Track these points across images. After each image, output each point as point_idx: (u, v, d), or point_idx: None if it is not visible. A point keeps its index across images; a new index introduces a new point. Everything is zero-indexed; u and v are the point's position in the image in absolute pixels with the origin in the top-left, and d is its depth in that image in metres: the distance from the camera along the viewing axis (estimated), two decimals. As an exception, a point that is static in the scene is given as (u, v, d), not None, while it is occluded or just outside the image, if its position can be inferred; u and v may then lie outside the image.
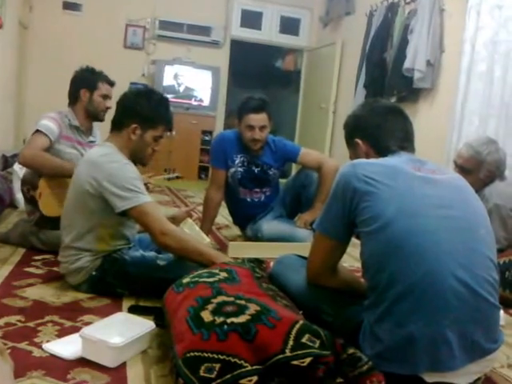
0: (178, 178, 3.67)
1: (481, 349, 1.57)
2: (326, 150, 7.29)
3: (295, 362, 1.44)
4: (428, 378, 1.54)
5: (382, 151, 1.86)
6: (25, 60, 6.87)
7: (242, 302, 1.64)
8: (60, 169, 2.90)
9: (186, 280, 1.91)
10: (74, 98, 3.18)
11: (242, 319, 1.53)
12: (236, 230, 4.01)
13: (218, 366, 1.42)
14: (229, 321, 1.53)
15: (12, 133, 6.32)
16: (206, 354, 1.45)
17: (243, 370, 1.42)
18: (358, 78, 6.35)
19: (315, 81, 8.10)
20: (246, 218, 3.76)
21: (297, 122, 8.69)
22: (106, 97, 3.18)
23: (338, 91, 7.36)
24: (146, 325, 1.89)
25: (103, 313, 2.15)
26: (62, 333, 1.96)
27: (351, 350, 1.56)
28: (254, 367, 1.44)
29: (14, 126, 6.43)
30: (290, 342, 1.46)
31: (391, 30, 5.80)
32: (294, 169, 6.47)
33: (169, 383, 1.62)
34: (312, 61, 8.34)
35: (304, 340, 1.48)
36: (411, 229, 1.59)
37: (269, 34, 8.31)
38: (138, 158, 2.47)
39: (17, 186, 4.00)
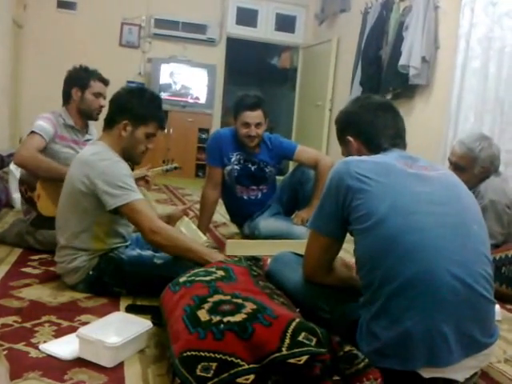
0: (176, 168, 3.65)
1: (477, 343, 1.58)
2: (322, 148, 7.29)
3: (292, 360, 1.44)
4: (425, 373, 1.54)
5: (373, 148, 1.87)
6: (20, 59, 6.85)
7: (239, 301, 1.64)
8: (57, 172, 2.88)
9: (182, 279, 1.91)
10: (66, 98, 3.17)
11: (238, 318, 1.53)
12: (233, 228, 4.01)
13: (214, 365, 1.43)
14: (225, 320, 1.53)
15: (8, 132, 6.31)
16: (202, 353, 1.45)
17: (240, 368, 1.42)
18: (353, 75, 6.36)
19: (311, 78, 8.10)
20: (243, 215, 3.76)
21: (293, 120, 8.69)
22: (98, 95, 3.15)
23: (334, 88, 7.37)
24: (143, 324, 1.89)
25: (100, 312, 2.14)
26: (59, 333, 1.95)
27: (348, 348, 1.56)
28: (251, 366, 1.44)
29: (10, 126, 6.41)
30: (287, 341, 1.47)
31: (386, 27, 5.81)
32: (291, 166, 6.47)
33: (166, 383, 1.62)
34: (308, 58, 8.34)
35: (300, 338, 1.48)
36: (404, 226, 1.59)
37: (264, 31, 8.30)
38: (130, 155, 2.46)
39: (13, 185, 3.99)
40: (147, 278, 2.33)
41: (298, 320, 1.56)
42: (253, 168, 3.60)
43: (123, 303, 2.29)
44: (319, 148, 7.11)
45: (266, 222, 3.57)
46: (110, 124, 2.44)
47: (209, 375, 1.41)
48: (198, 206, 3.72)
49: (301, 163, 3.68)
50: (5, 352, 1.73)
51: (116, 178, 2.28)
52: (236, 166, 3.56)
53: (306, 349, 1.46)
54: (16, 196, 3.92)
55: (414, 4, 5.26)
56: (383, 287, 1.58)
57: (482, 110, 4.48)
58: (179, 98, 7.52)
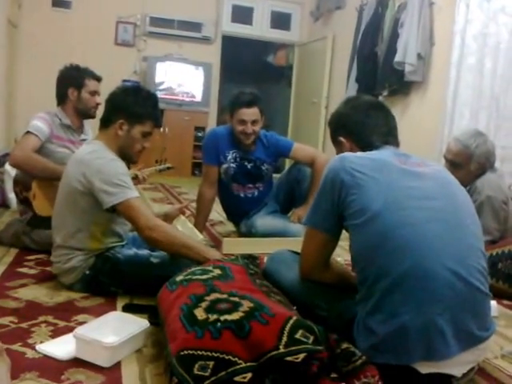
0: (169, 168, 3.65)
1: (473, 337, 1.58)
2: (318, 145, 7.29)
3: (289, 358, 1.44)
4: (422, 368, 1.55)
5: (365, 147, 1.87)
6: (15, 59, 6.82)
7: (236, 299, 1.64)
8: (53, 172, 2.88)
9: (179, 278, 1.91)
10: (62, 98, 3.16)
11: (235, 316, 1.53)
12: (230, 226, 4.01)
13: (211, 363, 1.42)
14: (222, 318, 1.53)
15: (3, 132, 6.28)
16: (199, 352, 1.45)
17: (237, 367, 1.42)
18: (349, 72, 6.36)
19: (307, 75, 8.09)
20: (239, 213, 3.76)
21: (289, 117, 8.68)
22: (94, 93, 3.16)
23: (330, 86, 7.37)
24: (140, 323, 1.89)
25: (97, 312, 2.14)
26: (56, 333, 1.95)
27: (345, 345, 1.56)
28: (248, 364, 1.44)
29: (5, 126, 6.39)
30: (284, 339, 1.47)
31: (381, 23, 5.81)
32: (288, 164, 6.47)
33: (164, 382, 1.61)
34: (303, 55, 8.34)
35: (298, 336, 1.48)
36: (398, 221, 1.61)
37: (260, 29, 8.29)
38: (126, 154, 2.45)
39: (9, 185, 3.98)
40: (144, 278, 2.33)
41: (295, 318, 1.56)
42: (249, 166, 3.60)
43: (120, 303, 2.29)
44: (315, 145, 7.11)
45: (263, 220, 3.57)
46: (106, 123, 2.44)
47: (206, 374, 1.41)
48: (194, 204, 3.71)
49: (297, 161, 3.67)
50: (2, 352, 1.72)
51: (112, 176, 2.27)
52: (232, 164, 3.56)
53: (303, 346, 1.46)
54: (12, 196, 3.91)
55: (409, 1, 5.27)
56: (378, 283, 1.59)
57: (478, 107, 4.49)
58: (175, 96, 7.51)
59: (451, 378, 1.62)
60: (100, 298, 2.34)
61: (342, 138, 1.96)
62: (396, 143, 1.93)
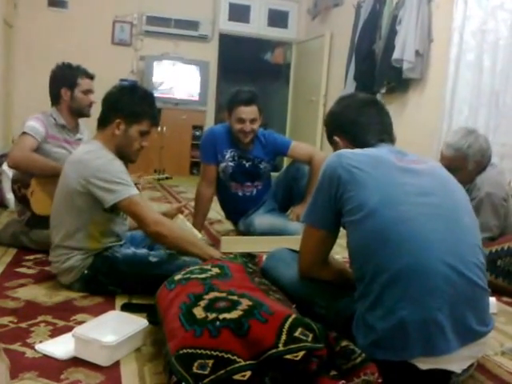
0: (167, 178, 3.67)
1: (473, 332, 1.58)
2: (316, 143, 7.28)
3: (288, 356, 1.44)
4: (422, 364, 1.54)
5: (360, 146, 1.87)
6: (11, 59, 6.81)
7: (235, 298, 1.64)
8: (52, 170, 2.88)
9: (177, 277, 1.90)
10: (56, 98, 3.15)
11: (234, 315, 1.53)
12: (228, 225, 4.01)
13: (211, 362, 1.42)
14: (221, 317, 1.53)
15: (0, 132, 6.27)
16: (198, 351, 1.45)
17: (236, 365, 1.42)
18: (347, 69, 6.35)
19: (305, 73, 8.09)
20: (238, 212, 3.75)
21: (287, 116, 8.68)
22: (87, 91, 3.14)
23: (328, 84, 7.36)
24: (139, 322, 1.89)
25: (96, 311, 2.14)
26: (55, 333, 1.95)
27: (344, 343, 1.57)
28: (248, 362, 1.44)
29: (2, 126, 6.38)
30: (283, 337, 1.47)
31: (379, 21, 5.80)
32: (286, 162, 6.47)
33: (163, 380, 1.61)
34: (301, 53, 8.33)
35: (297, 334, 1.48)
36: (395, 217, 1.61)
37: (257, 27, 8.28)
38: (124, 154, 2.45)
39: (7, 185, 3.97)
40: (142, 277, 2.33)
41: (294, 316, 1.55)
42: (247, 165, 3.59)
43: (118, 302, 2.28)
44: (313, 143, 7.11)
45: (261, 219, 3.56)
46: (103, 123, 2.43)
47: (205, 372, 1.41)
48: (192, 203, 3.71)
49: (295, 159, 3.67)
50: (1, 352, 1.72)
51: (112, 174, 2.28)
52: (230, 163, 3.55)
53: (302, 344, 1.46)
54: (10, 196, 3.90)
55: (407, -2, 5.26)
56: (376, 279, 1.59)
57: (477, 104, 4.48)
58: (172, 95, 7.50)
59: (451, 374, 1.62)
60: (99, 297, 2.34)
61: (336, 138, 1.97)
62: (391, 140, 1.94)
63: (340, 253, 3.02)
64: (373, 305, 1.59)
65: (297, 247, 1.98)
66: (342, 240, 1.86)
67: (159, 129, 7.10)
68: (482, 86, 4.43)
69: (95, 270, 2.36)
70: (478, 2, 4.47)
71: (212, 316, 1.54)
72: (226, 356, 1.44)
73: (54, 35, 7.10)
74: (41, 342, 1.86)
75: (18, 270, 2.68)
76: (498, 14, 4.30)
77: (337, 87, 6.86)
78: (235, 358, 1.43)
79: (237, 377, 1.41)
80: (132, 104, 2.39)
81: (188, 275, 1.89)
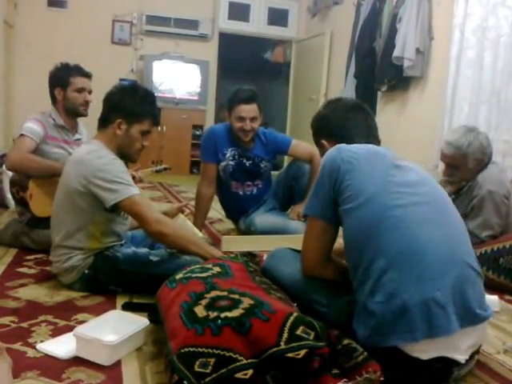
0: (165, 169, 3.66)
1: (473, 314, 1.62)
2: (317, 142, 7.27)
3: (290, 355, 1.44)
4: (424, 353, 1.56)
5: None
6: (11, 59, 6.81)
7: (236, 296, 1.64)
8: (49, 169, 2.87)
9: (178, 276, 1.90)
10: (52, 98, 3.15)
11: (235, 313, 1.53)
12: (229, 224, 4.00)
13: (212, 360, 1.42)
14: (222, 315, 1.52)
15: (0, 132, 6.28)
16: (200, 349, 1.45)
17: (238, 363, 1.42)
18: (347, 68, 6.35)
19: (305, 72, 8.08)
20: (238, 211, 3.75)
21: (287, 114, 8.67)
22: (81, 90, 3.10)
23: (328, 82, 7.35)
24: (140, 322, 1.88)
25: (97, 311, 2.14)
26: (56, 332, 1.94)
27: (346, 341, 1.56)
28: (249, 361, 1.43)
29: (3, 126, 6.38)
30: (285, 335, 1.46)
31: (380, 18, 5.79)
32: (286, 161, 6.46)
33: (164, 380, 1.61)
34: (301, 52, 8.32)
35: (298, 332, 1.48)
36: (390, 203, 1.68)
37: (257, 25, 8.28)
38: (126, 153, 2.45)
39: (7, 186, 3.96)
40: (143, 276, 2.33)
41: (295, 314, 1.55)
42: (248, 163, 3.59)
43: (119, 301, 2.28)
44: (313, 142, 7.09)
45: (262, 218, 3.56)
46: (104, 123, 2.43)
47: (207, 371, 1.41)
48: (193, 203, 3.70)
49: (296, 158, 3.66)
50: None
51: (113, 174, 2.28)
52: (231, 162, 3.55)
53: (304, 343, 1.46)
54: (10, 196, 3.90)
55: (408, -5, 5.25)
56: (373, 264, 1.63)
57: (477, 101, 4.47)
58: (172, 94, 7.50)
59: (452, 368, 1.63)
60: (100, 296, 2.34)
61: (323, 141, 2.03)
62: (377, 142, 2.00)
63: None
64: (372, 290, 1.62)
65: (298, 246, 1.98)
66: (340, 239, 1.86)
67: (159, 128, 7.10)
68: (483, 83, 4.42)
69: (96, 269, 2.36)
70: (478, -1, 4.46)
71: (213, 314, 1.54)
72: (227, 354, 1.43)
73: (54, 35, 7.10)
74: (42, 341, 1.86)
75: (18, 269, 2.67)
76: (499, 10, 4.29)
77: (337, 86, 6.86)
78: (237, 356, 1.43)
79: (238, 375, 1.41)
80: (133, 104, 2.39)
81: (189, 274, 1.89)
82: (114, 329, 1.84)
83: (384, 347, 1.58)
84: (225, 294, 1.66)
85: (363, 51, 5.93)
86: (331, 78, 7.29)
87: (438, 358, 1.58)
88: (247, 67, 9.46)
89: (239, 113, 3.39)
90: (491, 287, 2.64)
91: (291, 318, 1.52)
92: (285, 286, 1.96)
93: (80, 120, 3.27)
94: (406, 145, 5.23)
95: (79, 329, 1.78)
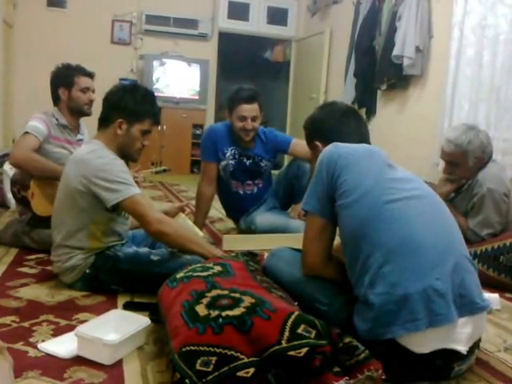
0: (165, 171, 3.66)
1: (471, 302, 1.65)
2: (317, 140, 7.27)
3: (292, 353, 1.44)
4: (425, 346, 1.58)
5: None
6: (11, 59, 6.81)
7: (237, 295, 1.64)
8: (51, 172, 2.88)
9: (179, 275, 1.90)
10: (55, 98, 3.16)
11: (237, 312, 1.53)
12: (230, 223, 4.00)
13: (214, 359, 1.43)
14: (224, 314, 1.53)
15: (0, 132, 6.28)
16: (201, 348, 1.45)
17: (240, 362, 1.43)
18: (347, 66, 6.35)
19: (305, 71, 8.08)
20: (239, 210, 3.75)
21: (287, 113, 8.67)
22: (86, 90, 3.13)
23: (328, 81, 7.35)
24: (141, 321, 1.88)
25: (98, 310, 2.14)
26: (58, 332, 1.95)
27: (347, 339, 1.56)
28: (251, 359, 1.44)
29: (3, 126, 6.38)
30: (286, 333, 1.47)
31: (379, 17, 5.79)
32: (286, 160, 6.47)
33: (166, 378, 1.62)
34: (301, 51, 8.32)
35: (300, 330, 1.48)
36: (386, 198, 1.72)
37: (256, 25, 8.27)
38: (126, 153, 2.45)
39: (8, 185, 3.97)
40: (144, 275, 2.33)
41: (296, 313, 1.56)
42: (248, 163, 3.59)
43: (121, 300, 2.28)
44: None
45: (263, 217, 3.56)
46: (104, 123, 2.43)
47: (209, 369, 1.41)
48: (193, 202, 3.70)
49: (296, 157, 3.66)
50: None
51: (114, 174, 2.28)
52: (231, 161, 3.55)
53: (305, 341, 1.46)
54: (11, 196, 3.90)
55: (407, -6, 5.25)
56: (372, 256, 1.66)
57: (477, 99, 4.47)
58: (172, 94, 7.49)
59: (453, 364, 1.65)
60: (101, 296, 2.34)
61: (317, 143, 2.06)
62: None
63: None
64: (372, 281, 1.64)
65: (298, 245, 1.98)
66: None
67: (159, 128, 7.10)
68: (483, 81, 4.42)
69: (97, 269, 2.36)
70: (477, -3, 4.46)
71: (215, 313, 1.54)
72: (229, 353, 1.44)
73: (54, 35, 7.09)
74: (43, 341, 1.86)
75: (19, 269, 2.68)
76: (498, 8, 4.28)
77: (337, 84, 6.86)
78: (238, 354, 1.44)
79: (240, 373, 1.41)
80: (134, 103, 2.39)
81: (190, 273, 1.89)
82: (115, 328, 1.84)
83: (385, 340, 1.59)
84: (226, 292, 1.67)
85: (363, 50, 5.93)
86: (331, 76, 7.29)
87: (439, 352, 1.59)
88: (247, 66, 9.47)
89: (240, 112, 3.39)
90: (492, 285, 2.65)
91: (292, 317, 1.52)
92: (285, 285, 1.97)
93: (82, 121, 3.28)
94: (407, 143, 5.23)
95: (80, 328, 1.78)
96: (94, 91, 3.16)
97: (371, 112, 6.04)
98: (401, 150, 4.99)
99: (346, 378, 1.49)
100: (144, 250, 2.44)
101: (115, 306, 2.22)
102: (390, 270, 1.62)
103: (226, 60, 8.65)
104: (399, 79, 5.44)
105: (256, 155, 3.58)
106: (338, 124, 2.03)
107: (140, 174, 3.16)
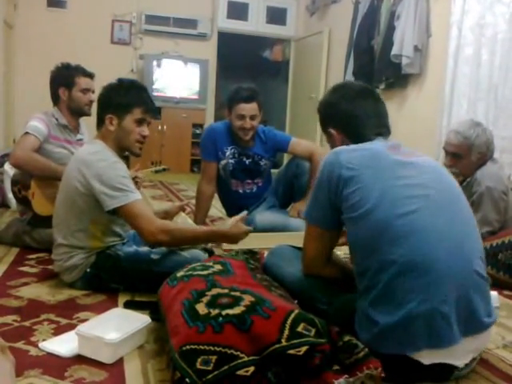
0: (164, 170, 3.66)
1: (477, 322, 1.60)
2: (316, 139, 7.29)
3: (291, 351, 1.45)
4: (425, 359, 1.55)
5: (357, 140, 1.85)
6: (11, 60, 6.81)
7: (237, 294, 1.65)
8: (52, 172, 2.89)
9: (180, 274, 1.91)
10: (55, 98, 3.16)
11: (236, 311, 1.54)
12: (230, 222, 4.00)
13: (214, 358, 1.43)
14: (224, 313, 1.53)
15: (1, 133, 6.28)
16: (202, 347, 1.46)
17: (240, 361, 1.43)
18: (346, 66, 6.35)
19: (304, 70, 8.09)
20: (238, 209, 3.71)
21: (287, 112, 8.68)
22: (86, 90, 3.14)
23: (327, 80, 7.35)
24: (141, 320, 1.89)
25: (99, 309, 2.15)
26: (58, 331, 1.95)
27: (347, 338, 1.57)
28: (251, 358, 1.45)
29: (4, 126, 6.39)
30: (286, 332, 1.48)
31: (378, 16, 5.79)
32: (286, 159, 6.47)
33: (166, 377, 1.62)
34: (300, 50, 8.32)
35: (299, 329, 1.49)
36: (396, 210, 1.61)
37: (256, 24, 8.28)
38: (125, 147, 2.44)
39: (8, 185, 3.97)
40: (145, 274, 2.34)
41: (296, 311, 1.56)
42: (247, 162, 3.60)
43: (121, 299, 2.29)
44: (313, 140, 7.11)
45: (262, 216, 3.56)
46: (99, 124, 2.44)
47: (209, 368, 1.42)
48: (193, 201, 3.71)
49: (295, 155, 3.67)
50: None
51: (113, 179, 2.26)
52: (231, 160, 3.56)
53: (305, 339, 1.47)
54: (11, 196, 3.91)
55: (405, -7, 5.25)
56: (381, 272, 1.58)
57: (475, 98, 4.48)
58: (172, 93, 7.50)
59: (453, 369, 1.63)
60: (101, 295, 2.35)
61: (332, 130, 1.93)
62: (388, 132, 1.91)
63: (342, 248, 3.03)
64: (377, 298, 1.59)
65: (299, 244, 1.98)
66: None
67: (159, 127, 7.11)
68: (481, 79, 4.43)
69: (98, 268, 2.37)
70: (476, -4, 4.46)
71: (215, 312, 1.55)
72: (229, 352, 1.45)
73: (54, 35, 7.09)
74: (44, 340, 1.87)
75: (20, 269, 2.68)
76: (496, 7, 4.30)
77: (336, 83, 6.84)
78: (238, 353, 1.45)
79: (240, 372, 1.42)
80: (118, 96, 2.38)
81: (190, 272, 1.90)
82: (115, 327, 1.85)
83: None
84: (226, 291, 1.68)
85: (361, 49, 5.94)
86: (330, 76, 7.30)
87: (439, 363, 1.57)
88: (246, 66, 9.46)
89: (239, 111, 3.40)
90: (490, 283, 2.65)
91: (292, 315, 1.53)
92: (285, 284, 1.97)
93: (82, 120, 3.28)
94: (405, 142, 5.20)
95: (81, 327, 1.78)
96: (93, 92, 3.16)
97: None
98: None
99: (346, 376, 1.50)
100: (144, 248, 2.44)
101: (116, 305, 2.22)
102: (397, 288, 1.56)
103: (225, 59, 8.65)
104: (398, 78, 5.45)
105: (255, 154, 3.59)
106: (353, 108, 1.87)
107: (139, 173, 3.16)
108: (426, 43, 5.14)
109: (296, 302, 1.88)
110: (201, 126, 7.49)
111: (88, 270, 2.38)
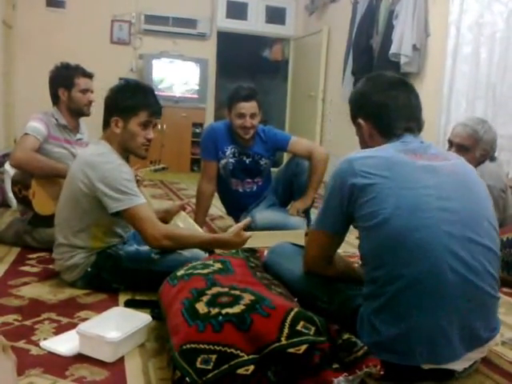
0: (164, 169, 3.67)
1: (479, 338, 1.61)
2: (316, 138, 7.30)
3: (291, 350, 1.45)
4: (425, 366, 1.57)
5: (385, 134, 1.80)
6: (11, 60, 6.81)
7: (237, 293, 1.65)
8: (53, 170, 2.90)
9: (180, 273, 1.92)
10: (55, 99, 3.16)
11: (236, 309, 1.55)
12: (230, 221, 4.01)
13: (214, 356, 1.44)
14: (224, 312, 1.54)
15: (1, 133, 6.28)
16: (201, 346, 1.46)
17: (239, 359, 1.44)
18: (345, 64, 6.36)
19: (303, 69, 8.09)
20: (238, 208, 3.76)
21: (286, 111, 8.68)
22: (85, 91, 3.14)
23: (327, 79, 7.36)
24: (142, 318, 1.90)
25: (100, 308, 2.15)
26: (59, 330, 1.96)
27: (346, 336, 1.57)
28: (251, 357, 1.45)
29: (4, 126, 6.38)
30: (285, 330, 1.48)
31: (376, 15, 5.78)
32: (286, 158, 6.48)
33: (167, 375, 1.63)
34: (299, 49, 8.33)
35: (299, 327, 1.49)
36: (410, 224, 1.57)
37: (255, 24, 8.27)
38: (130, 150, 2.44)
39: (9, 185, 3.97)
40: (145, 273, 2.34)
41: (296, 310, 1.57)
42: (247, 161, 3.60)
43: (122, 298, 2.30)
44: (313, 139, 7.12)
45: (262, 214, 3.57)
46: (105, 126, 2.44)
47: (209, 367, 1.42)
48: (193, 200, 3.72)
49: (295, 154, 3.68)
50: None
51: (117, 182, 2.27)
52: (231, 160, 3.57)
53: (304, 338, 1.47)
54: (12, 195, 3.91)
55: (404, -8, 5.25)
56: (389, 284, 1.58)
57: (474, 96, 4.49)
58: (172, 93, 7.50)
59: (453, 372, 1.64)
60: (102, 294, 2.36)
61: (361, 121, 1.86)
62: (418, 128, 1.85)
63: (342, 247, 3.04)
64: (381, 308, 1.60)
65: (298, 241, 1.99)
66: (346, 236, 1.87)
67: (159, 127, 7.11)
68: (479, 78, 4.44)
69: (99, 267, 2.38)
70: (474, -5, 4.47)
71: (215, 311, 1.56)
72: (229, 350, 1.45)
73: (53, 35, 7.08)
74: (45, 339, 1.87)
75: (21, 268, 2.69)
76: (495, 6, 4.30)
77: (335, 82, 6.86)
78: (238, 352, 1.45)
79: (240, 371, 1.43)
80: (124, 99, 2.38)
81: (190, 271, 1.91)
82: (116, 326, 1.86)
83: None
84: (226, 290, 1.68)
85: (360, 48, 5.94)
86: (329, 75, 7.30)
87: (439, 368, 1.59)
88: (246, 65, 9.46)
89: (239, 110, 3.41)
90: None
91: (292, 314, 1.53)
92: (285, 282, 1.97)
93: (82, 120, 3.29)
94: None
95: (82, 326, 1.79)
96: (92, 92, 3.17)
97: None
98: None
99: (345, 374, 1.50)
100: (145, 248, 2.43)
101: (116, 304, 2.23)
102: (401, 302, 1.55)
103: (224, 59, 8.64)
104: (397, 77, 5.44)
105: (255, 153, 3.60)
106: (384, 98, 1.79)
107: (138, 172, 3.17)
108: (424, 42, 5.14)
109: (296, 299, 1.88)
110: (201, 125, 7.49)
111: (89, 269, 2.38)
